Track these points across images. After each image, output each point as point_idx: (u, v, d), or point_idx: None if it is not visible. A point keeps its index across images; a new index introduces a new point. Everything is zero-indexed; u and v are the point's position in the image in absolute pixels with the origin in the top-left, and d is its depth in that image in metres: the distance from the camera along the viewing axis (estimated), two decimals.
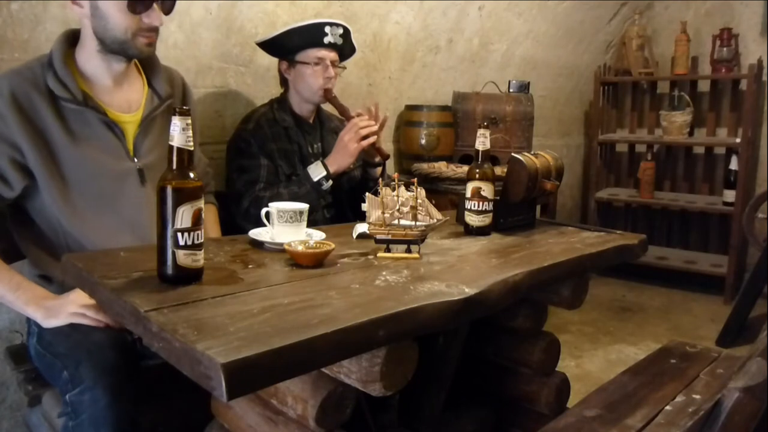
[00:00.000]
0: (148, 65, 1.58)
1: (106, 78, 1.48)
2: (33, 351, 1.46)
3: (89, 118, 1.43)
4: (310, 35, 1.96)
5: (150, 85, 1.58)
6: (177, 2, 1.50)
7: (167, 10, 1.48)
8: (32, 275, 1.49)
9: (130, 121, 1.51)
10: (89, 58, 1.46)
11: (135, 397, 1.26)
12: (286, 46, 2.00)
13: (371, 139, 1.90)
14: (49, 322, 1.36)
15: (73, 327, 1.34)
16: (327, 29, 1.96)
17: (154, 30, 1.45)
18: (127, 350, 1.32)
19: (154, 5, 1.41)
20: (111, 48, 1.43)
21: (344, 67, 2.10)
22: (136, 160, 1.50)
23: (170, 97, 1.59)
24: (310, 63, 1.97)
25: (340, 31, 1.99)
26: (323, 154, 2.01)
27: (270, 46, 2.04)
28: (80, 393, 1.23)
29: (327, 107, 2.10)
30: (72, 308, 1.34)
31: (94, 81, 1.48)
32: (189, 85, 1.72)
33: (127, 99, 1.52)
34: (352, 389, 1.10)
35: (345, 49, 2.07)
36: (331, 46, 1.99)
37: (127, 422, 1.23)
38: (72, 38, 1.47)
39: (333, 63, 2.00)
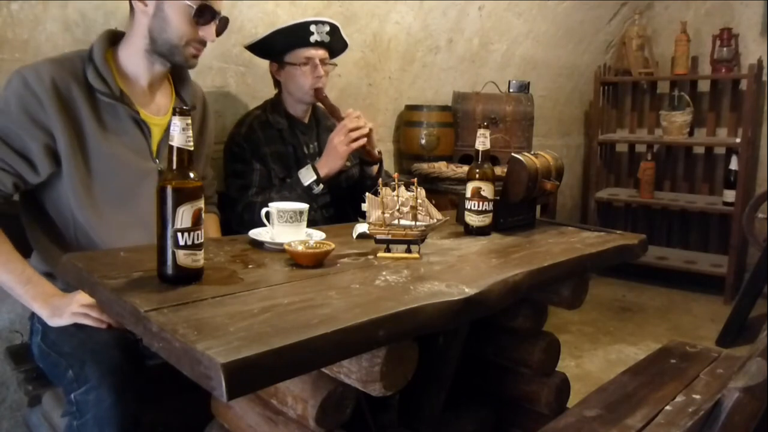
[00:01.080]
0: (178, 76, 1.64)
1: (143, 78, 1.53)
2: (37, 350, 1.46)
3: (122, 114, 1.48)
4: (296, 35, 1.94)
5: (178, 94, 1.63)
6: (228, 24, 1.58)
7: (219, 30, 1.55)
8: (39, 271, 1.49)
9: (158, 124, 1.55)
10: (132, 55, 1.51)
11: (139, 397, 1.27)
12: (274, 48, 1.99)
13: (361, 141, 1.88)
14: (53, 321, 1.37)
15: (78, 326, 1.34)
16: (312, 28, 1.94)
17: (204, 44, 1.52)
18: (132, 350, 1.33)
19: (213, 22, 1.49)
20: (160, 50, 1.48)
21: (335, 64, 2.09)
22: (157, 161, 1.53)
23: (194, 108, 1.65)
24: (299, 63, 1.96)
25: (327, 28, 1.97)
26: (320, 154, 2.00)
27: (258, 48, 2.03)
28: (85, 392, 1.23)
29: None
30: (74, 308, 1.35)
31: (131, 80, 1.53)
32: (209, 104, 1.78)
33: (157, 103, 1.57)
34: (352, 389, 1.10)
35: (335, 45, 2.05)
36: (319, 44, 1.97)
37: (131, 422, 1.24)
38: (113, 38, 1.52)
39: (322, 61, 1.99)
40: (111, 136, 1.46)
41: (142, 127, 1.51)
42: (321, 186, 1.89)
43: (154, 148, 1.54)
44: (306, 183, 1.87)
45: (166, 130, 1.55)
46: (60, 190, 1.44)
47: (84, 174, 1.44)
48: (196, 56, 1.53)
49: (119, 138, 1.47)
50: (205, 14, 1.47)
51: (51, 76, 1.39)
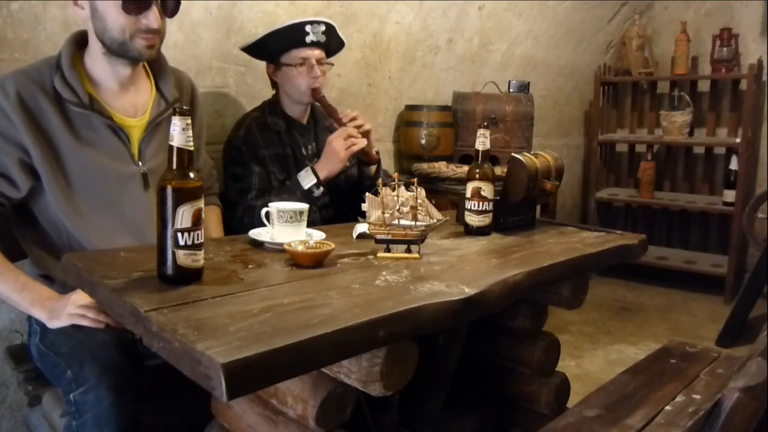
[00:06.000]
0: (157, 68, 1.58)
1: (112, 82, 1.48)
2: (35, 350, 1.46)
3: (94, 122, 1.44)
4: (292, 36, 1.93)
5: (158, 88, 1.57)
6: (180, 4, 1.48)
7: (170, 13, 1.47)
8: (34, 275, 1.49)
9: (136, 125, 1.51)
10: (95, 60, 1.46)
11: (138, 397, 1.26)
12: (270, 49, 1.98)
13: (361, 144, 1.87)
14: (52, 323, 1.37)
15: (76, 326, 1.34)
16: (308, 28, 1.93)
17: (153, 32, 1.42)
18: (130, 349, 1.33)
19: (153, 6, 1.40)
20: (112, 49, 1.42)
21: (332, 64, 2.07)
22: (140, 164, 1.50)
23: (177, 101, 1.58)
24: (295, 64, 1.95)
25: (322, 28, 1.96)
26: (318, 155, 2.00)
27: (254, 49, 2.02)
28: (84, 392, 1.23)
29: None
30: (71, 309, 1.35)
31: (100, 84, 1.48)
32: (197, 88, 1.73)
33: (133, 103, 1.52)
34: (352, 389, 1.10)
35: (332, 44, 2.04)
36: (315, 44, 1.96)
37: (131, 421, 1.23)
38: (81, 40, 1.47)
39: (319, 61, 1.98)
40: (86, 145, 1.42)
41: (118, 132, 1.46)
42: (321, 189, 1.88)
43: (135, 150, 1.49)
44: (306, 186, 1.86)
45: (146, 129, 1.51)
46: (47, 200, 1.42)
47: (63, 185, 1.41)
48: (150, 46, 1.43)
49: (95, 146, 1.43)
50: (134, 2, 1.37)
51: (16, 90, 1.36)
